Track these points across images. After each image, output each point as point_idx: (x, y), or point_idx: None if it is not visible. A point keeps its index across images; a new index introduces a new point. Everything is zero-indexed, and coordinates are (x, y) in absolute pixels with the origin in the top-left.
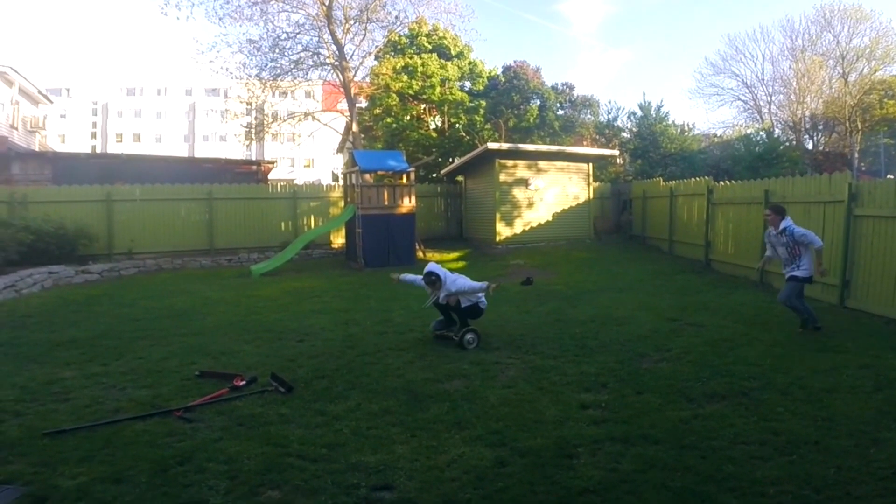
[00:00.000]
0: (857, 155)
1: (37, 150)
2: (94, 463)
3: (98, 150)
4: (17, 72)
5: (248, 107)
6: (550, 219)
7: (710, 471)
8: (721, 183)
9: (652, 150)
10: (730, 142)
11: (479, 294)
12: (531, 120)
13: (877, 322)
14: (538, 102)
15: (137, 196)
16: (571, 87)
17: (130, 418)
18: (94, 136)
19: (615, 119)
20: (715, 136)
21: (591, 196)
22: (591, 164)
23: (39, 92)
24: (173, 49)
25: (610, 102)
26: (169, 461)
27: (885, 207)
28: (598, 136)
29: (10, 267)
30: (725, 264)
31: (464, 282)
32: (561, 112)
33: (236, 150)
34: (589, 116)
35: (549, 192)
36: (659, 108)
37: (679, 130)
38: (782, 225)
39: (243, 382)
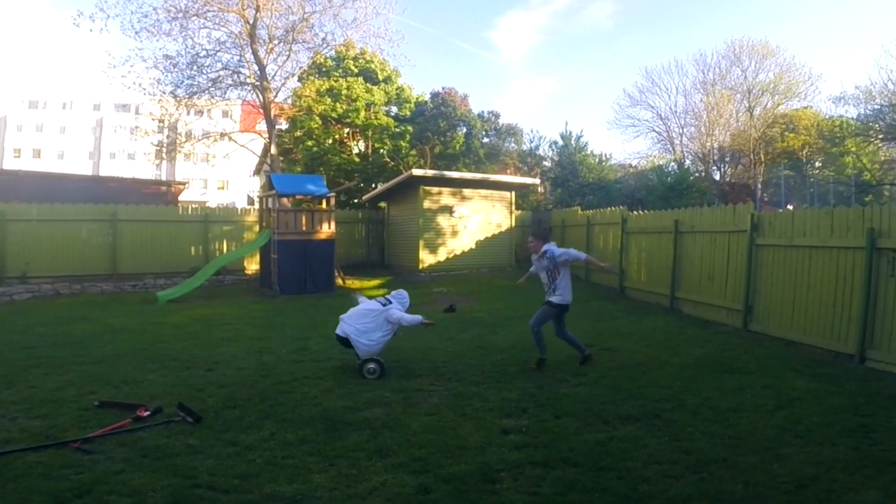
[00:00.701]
0: (760, 186)
1: None
2: None
3: None
4: None
5: (161, 124)
6: (473, 246)
7: (627, 491)
8: (635, 213)
9: (571, 179)
10: (644, 172)
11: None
12: (457, 147)
13: (777, 344)
14: (465, 130)
15: (34, 216)
16: (497, 115)
17: (22, 449)
18: None
19: (537, 147)
20: (631, 166)
21: (514, 224)
22: (513, 193)
23: None
24: (82, 62)
25: (533, 131)
26: (66, 494)
27: (783, 237)
28: (521, 165)
29: None
30: (639, 291)
31: (399, 314)
32: (486, 140)
33: (146, 169)
34: (513, 145)
35: (472, 220)
36: (579, 137)
37: (597, 160)
38: (543, 248)
39: (147, 413)
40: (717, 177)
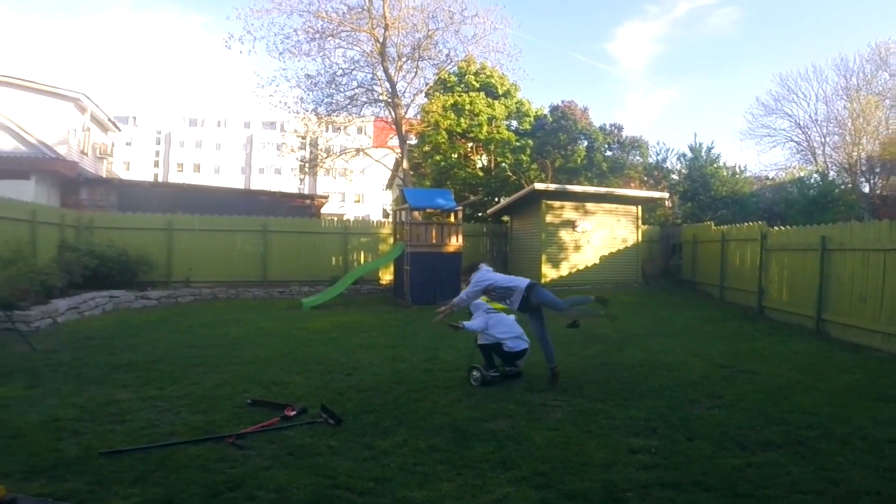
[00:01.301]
0: None
1: (104, 176)
2: (147, 485)
3: (160, 179)
4: (90, 99)
5: (303, 141)
6: (597, 261)
7: None
8: (776, 228)
9: (702, 192)
10: (783, 184)
11: (499, 334)
12: (578, 161)
13: None
14: (586, 143)
15: (196, 226)
16: (620, 128)
17: (184, 442)
18: (156, 164)
19: (664, 160)
20: (767, 178)
21: (640, 239)
22: (639, 207)
23: (109, 119)
24: (234, 82)
25: (659, 143)
26: (220, 486)
27: None
28: (646, 178)
29: (73, 289)
30: (779, 311)
31: (476, 322)
32: (609, 153)
33: (290, 183)
34: (637, 158)
35: (596, 235)
36: (710, 149)
37: (730, 173)
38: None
39: (294, 413)
40: (867, 189)
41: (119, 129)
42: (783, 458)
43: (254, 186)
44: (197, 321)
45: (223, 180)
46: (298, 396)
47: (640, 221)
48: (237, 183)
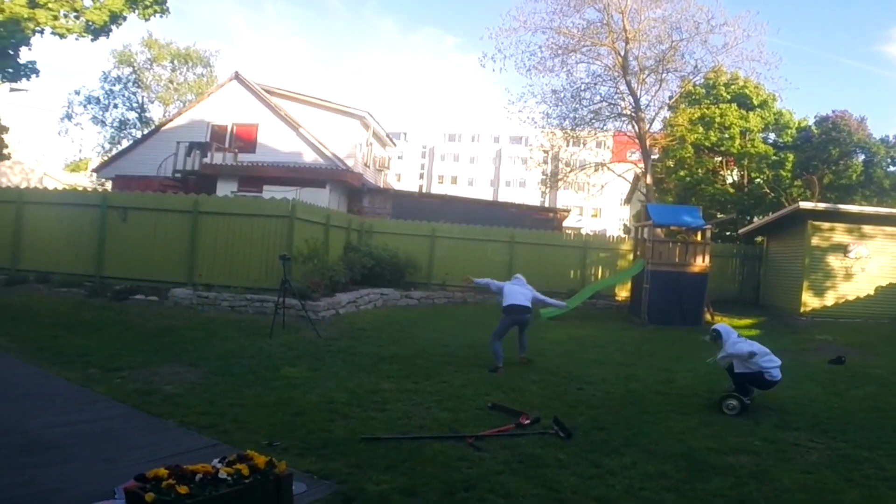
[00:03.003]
0: None
1: (382, 186)
2: (396, 473)
3: (424, 190)
4: (372, 117)
5: (546, 155)
6: (872, 292)
7: None
8: None
9: None
10: None
11: (764, 363)
12: (853, 177)
13: None
14: (862, 157)
15: (455, 235)
16: None
17: (431, 437)
18: (421, 176)
19: None
20: None
21: None
22: None
23: (387, 135)
24: (485, 99)
25: None
26: (456, 485)
27: None
28: None
29: (353, 285)
30: None
31: (741, 346)
32: (893, 168)
33: (533, 195)
34: None
35: (873, 262)
36: None
37: None
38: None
39: (528, 421)
40: None
41: (395, 145)
42: None
43: (501, 198)
44: (450, 322)
45: (475, 191)
46: (533, 405)
47: None
48: (486, 194)
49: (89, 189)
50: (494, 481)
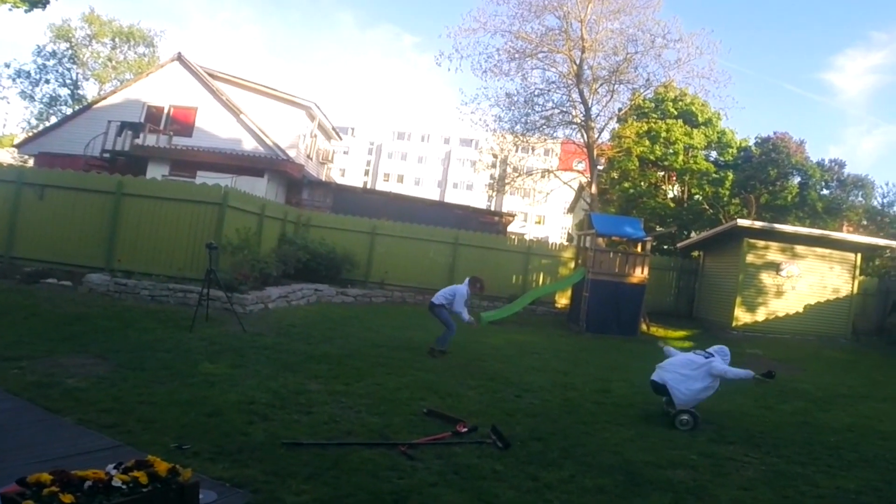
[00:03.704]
0: None
1: (324, 180)
2: (318, 483)
3: (369, 187)
4: (319, 108)
5: (495, 159)
6: (801, 310)
7: None
8: None
9: None
10: None
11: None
12: (788, 198)
13: None
14: (798, 179)
15: (397, 233)
16: (841, 165)
17: (360, 443)
18: (367, 173)
19: (892, 204)
20: None
21: (855, 291)
22: (859, 255)
23: (333, 128)
24: (438, 100)
25: (888, 184)
26: (385, 496)
27: None
28: (866, 223)
29: (285, 279)
30: None
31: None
32: (825, 192)
33: (479, 199)
34: (860, 199)
35: (803, 281)
36: None
37: None
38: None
39: (465, 429)
40: None
41: (340, 139)
42: None
43: (448, 199)
44: (387, 322)
45: (422, 191)
46: (470, 412)
47: (857, 271)
48: (433, 195)
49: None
50: (427, 494)
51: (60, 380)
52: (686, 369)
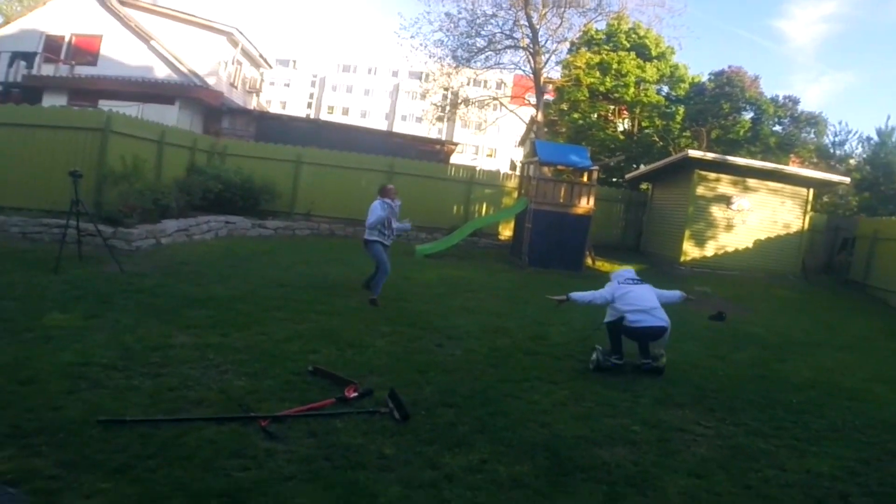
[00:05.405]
0: None
1: (250, 108)
2: (126, 478)
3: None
4: (242, 34)
5: (443, 90)
6: (750, 245)
7: None
8: None
9: (884, 182)
10: None
11: (624, 306)
12: (741, 133)
13: None
14: (751, 115)
15: (324, 161)
16: (795, 101)
17: (206, 419)
18: (310, 105)
19: (843, 143)
20: None
21: (806, 227)
22: (811, 190)
23: (260, 55)
24: (386, 31)
25: (841, 123)
26: (212, 500)
27: None
28: (816, 160)
29: (194, 211)
30: None
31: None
32: (778, 128)
33: (429, 131)
34: (812, 136)
35: (754, 215)
36: None
37: None
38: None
39: (355, 394)
40: None
41: (270, 66)
42: None
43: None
44: (302, 257)
45: (368, 124)
46: (372, 367)
47: (809, 206)
48: (381, 127)
49: None
50: (274, 494)
51: None
52: (659, 301)
